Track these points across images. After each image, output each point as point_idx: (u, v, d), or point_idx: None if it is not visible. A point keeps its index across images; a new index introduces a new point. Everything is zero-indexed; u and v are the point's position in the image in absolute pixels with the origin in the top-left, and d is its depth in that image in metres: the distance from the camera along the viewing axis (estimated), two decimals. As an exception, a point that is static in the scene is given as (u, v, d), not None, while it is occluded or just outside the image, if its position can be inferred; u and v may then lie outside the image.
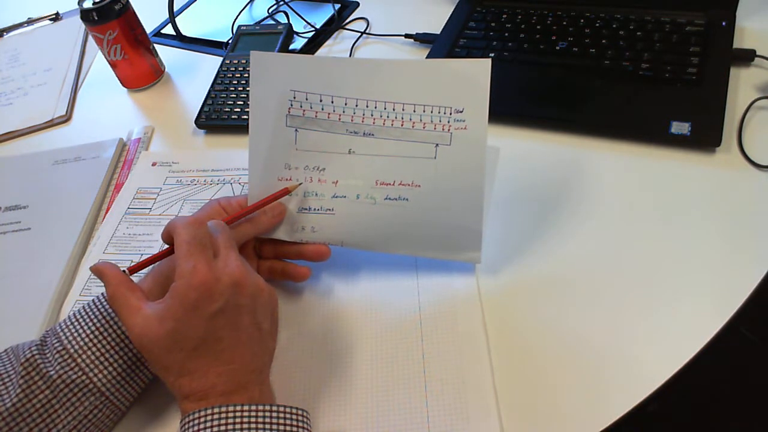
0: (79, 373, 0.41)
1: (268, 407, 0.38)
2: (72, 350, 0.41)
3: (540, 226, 0.54)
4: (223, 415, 0.36)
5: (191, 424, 0.36)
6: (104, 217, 0.64)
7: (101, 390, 0.42)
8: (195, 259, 0.39)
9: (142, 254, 0.58)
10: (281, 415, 0.38)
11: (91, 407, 0.42)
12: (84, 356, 0.41)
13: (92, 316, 0.43)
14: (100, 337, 0.42)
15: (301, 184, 0.50)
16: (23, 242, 0.62)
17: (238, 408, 0.37)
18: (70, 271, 0.58)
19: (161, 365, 0.38)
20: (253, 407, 0.37)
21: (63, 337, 0.42)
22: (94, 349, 0.42)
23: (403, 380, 0.45)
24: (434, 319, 0.48)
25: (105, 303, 0.43)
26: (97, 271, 0.42)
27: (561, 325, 0.47)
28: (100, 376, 0.41)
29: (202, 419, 0.36)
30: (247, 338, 0.40)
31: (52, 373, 0.41)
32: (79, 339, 0.42)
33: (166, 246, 0.44)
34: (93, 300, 0.44)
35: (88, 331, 0.42)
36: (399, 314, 0.49)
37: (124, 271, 0.42)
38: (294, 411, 0.39)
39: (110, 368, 0.42)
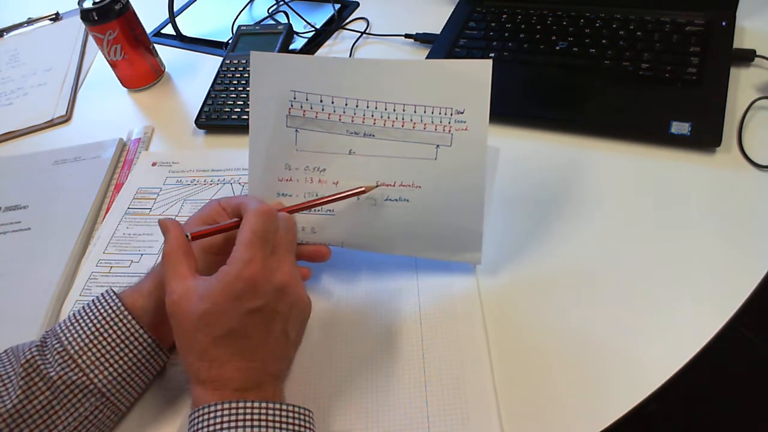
0: (80, 374, 0.41)
1: (278, 405, 0.38)
2: (72, 351, 0.41)
3: (540, 226, 0.54)
4: (234, 411, 0.36)
5: (204, 417, 0.37)
6: (104, 217, 0.63)
7: (101, 391, 0.42)
8: (254, 251, 0.39)
9: (142, 254, 0.58)
10: (291, 414, 0.38)
11: (92, 408, 0.42)
12: (84, 357, 0.41)
13: (92, 317, 0.43)
14: (101, 338, 0.42)
15: (378, 186, 0.49)
16: (23, 242, 0.62)
17: (249, 404, 0.37)
18: (70, 271, 0.58)
19: (185, 342, 0.39)
20: (264, 404, 0.37)
21: (63, 338, 0.42)
22: (94, 350, 0.42)
23: (403, 380, 0.45)
24: (434, 319, 0.48)
25: (105, 303, 0.43)
26: (164, 226, 0.43)
27: (561, 325, 0.47)
28: (100, 377, 0.41)
29: (216, 414, 0.36)
30: (274, 343, 0.40)
31: (52, 374, 0.41)
32: (79, 340, 0.42)
33: (234, 220, 0.45)
34: (93, 300, 0.44)
35: (88, 332, 0.42)
36: (399, 314, 0.49)
37: (187, 236, 0.43)
38: (302, 411, 0.39)
39: (110, 369, 0.42)
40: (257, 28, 0.83)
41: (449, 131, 0.47)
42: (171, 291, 0.39)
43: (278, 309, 0.40)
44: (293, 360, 0.43)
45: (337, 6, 0.88)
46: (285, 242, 0.42)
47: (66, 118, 0.81)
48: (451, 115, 0.46)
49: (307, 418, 0.39)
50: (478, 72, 0.45)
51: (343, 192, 0.48)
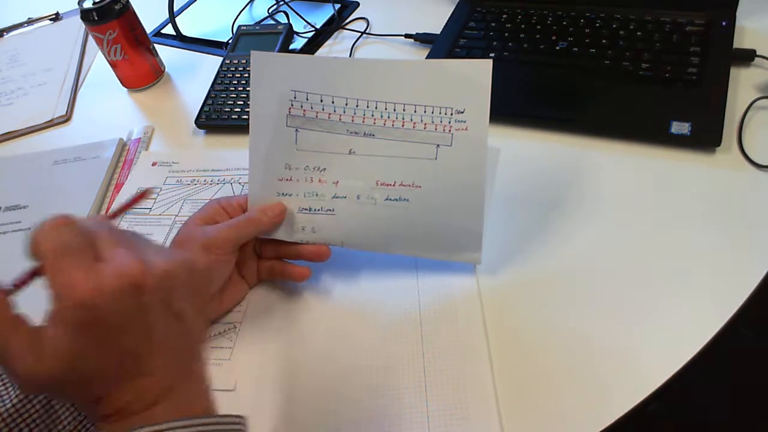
0: (79, 373, 0.40)
1: (198, 421, 0.32)
2: (72, 350, 0.41)
3: (540, 226, 0.54)
4: None
5: None
6: (104, 217, 0.63)
7: (101, 390, 0.41)
8: (68, 269, 0.30)
9: (142, 254, 0.58)
10: (216, 428, 0.33)
11: (92, 407, 0.41)
12: (84, 356, 0.41)
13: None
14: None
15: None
16: (23, 242, 0.62)
17: (163, 427, 0.30)
18: (70, 271, 0.58)
19: (66, 400, 0.33)
20: (179, 423, 0.31)
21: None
22: (94, 349, 0.41)
23: (403, 380, 0.45)
24: (434, 319, 0.48)
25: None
26: None
27: (561, 325, 0.47)
28: (100, 376, 0.41)
29: None
30: (165, 338, 0.33)
31: (52, 373, 0.40)
32: (79, 339, 0.41)
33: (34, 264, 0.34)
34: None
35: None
36: (399, 314, 0.49)
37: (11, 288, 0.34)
38: (231, 420, 0.34)
39: (110, 368, 0.41)
40: (257, 28, 0.83)
41: (449, 131, 0.47)
42: (16, 376, 0.31)
43: (144, 303, 0.31)
44: (205, 335, 0.36)
45: (337, 6, 0.88)
46: (105, 240, 0.33)
47: (66, 118, 0.81)
48: (452, 114, 0.46)
49: (237, 427, 0.34)
50: (478, 72, 0.45)
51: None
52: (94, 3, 0.75)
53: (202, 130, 0.73)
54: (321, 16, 0.87)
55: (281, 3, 0.91)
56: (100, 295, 0.30)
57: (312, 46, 0.83)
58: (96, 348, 0.31)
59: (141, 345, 0.32)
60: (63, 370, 0.30)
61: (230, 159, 0.67)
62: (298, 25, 0.85)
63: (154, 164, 0.69)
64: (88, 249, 0.32)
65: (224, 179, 0.65)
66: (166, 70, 0.86)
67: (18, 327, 0.32)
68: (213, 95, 0.74)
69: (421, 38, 0.78)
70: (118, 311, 0.31)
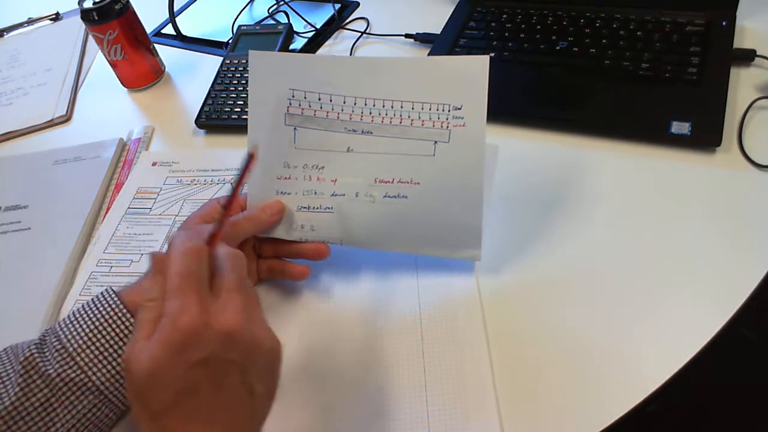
0: (78, 372, 0.41)
1: None
2: (71, 349, 0.41)
3: (540, 226, 0.54)
4: None
5: None
6: (104, 217, 0.63)
7: (100, 389, 0.41)
8: (184, 295, 0.33)
9: (142, 254, 0.58)
10: None
11: (90, 406, 0.42)
12: (83, 355, 0.41)
13: (91, 315, 0.43)
14: (99, 336, 0.42)
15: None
16: (23, 242, 0.62)
17: None
18: (70, 271, 0.58)
19: (136, 408, 0.34)
20: None
21: (62, 336, 0.42)
22: (93, 347, 0.42)
23: (403, 380, 0.45)
24: (434, 319, 0.48)
25: (104, 301, 0.43)
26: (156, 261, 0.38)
27: (561, 324, 0.47)
28: (99, 374, 0.41)
29: None
30: (232, 400, 0.34)
31: (50, 371, 0.41)
32: (78, 338, 0.42)
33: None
34: (92, 299, 0.44)
35: (87, 330, 0.42)
36: (399, 314, 0.49)
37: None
38: None
39: (109, 367, 0.42)
40: (257, 28, 0.83)
41: (447, 127, 0.47)
42: (126, 350, 0.34)
43: (229, 358, 0.33)
44: (266, 417, 0.37)
45: (337, 6, 0.88)
46: (229, 281, 0.36)
47: (66, 118, 0.81)
48: (449, 111, 0.46)
49: None
50: (476, 68, 0.45)
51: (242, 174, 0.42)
52: (94, 3, 0.75)
53: (202, 130, 0.73)
54: (321, 16, 0.87)
55: (281, 3, 0.91)
56: (205, 329, 0.33)
57: (312, 46, 0.83)
58: (178, 370, 0.32)
59: (210, 391, 0.33)
60: (147, 371, 0.32)
61: (230, 159, 0.67)
62: (298, 25, 0.85)
63: (154, 164, 0.69)
64: (205, 284, 0.35)
65: (224, 179, 0.65)
66: (166, 70, 0.86)
67: (154, 320, 0.34)
68: (213, 95, 0.74)
69: (421, 38, 0.78)
70: (207, 350, 0.33)
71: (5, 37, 1.02)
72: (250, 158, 0.41)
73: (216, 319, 0.33)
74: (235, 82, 0.75)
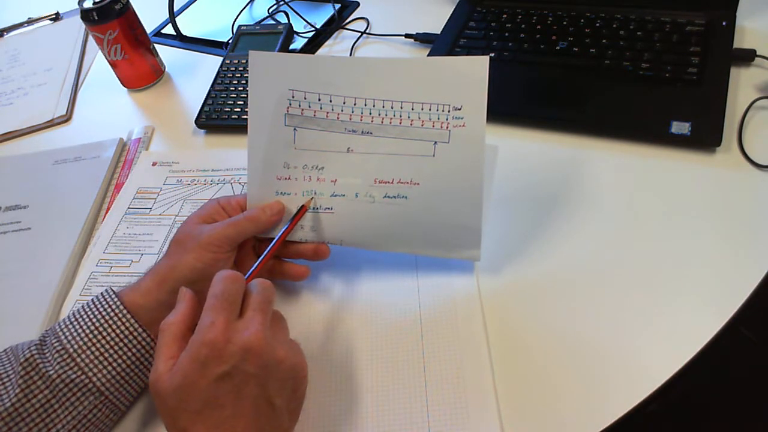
0: (78, 373, 0.41)
1: None
2: (71, 349, 0.41)
3: (540, 226, 0.54)
4: None
5: None
6: (104, 217, 0.63)
7: (100, 390, 0.42)
8: (215, 314, 0.37)
9: (142, 254, 0.58)
10: None
11: (91, 407, 0.42)
12: (83, 356, 0.41)
13: (91, 316, 0.43)
14: (99, 337, 0.42)
15: (313, 198, 0.50)
16: (23, 242, 0.62)
17: None
18: (70, 271, 0.58)
19: (167, 422, 0.36)
20: None
21: (62, 337, 0.42)
22: (93, 348, 0.42)
23: (403, 379, 0.45)
24: (434, 319, 0.48)
25: (104, 302, 0.43)
26: (182, 295, 0.41)
27: (561, 324, 0.47)
28: (99, 375, 0.41)
29: None
30: (253, 411, 0.36)
31: (51, 372, 0.41)
32: (78, 338, 0.42)
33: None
34: (92, 299, 0.44)
35: (87, 331, 0.42)
36: (399, 314, 0.49)
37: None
38: None
39: (109, 368, 0.42)
40: (257, 28, 0.83)
41: (447, 128, 0.47)
42: (154, 369, 0.37)
43: (248, 371, 0.36)
44: (291, 430, 0.39)
45: (337, 6, 0.88)
46: (254, 303, 0.39)
47: (66, 118, 0.81)
48: (449, 111, 0.46)
49: None
50: (476, 68, 0.45)
51: (290, 225, 0.49)
52: (94, 3, 0.75)
53: (202, 130, 0.73)
54: (321, 16, 0.87)
55: (281, 3, 0.91)
56: (226, 343, 0.36)
57: (312, 46, 0.83)
58: (202, 382, 0.35)
59: (233, 402, 0.36)
60: (176, 386, 0.35)
61: (230, 159, 0.67)
62: (298, 25, 0.85)
63: (154, 164, 0.69)
64: (236, 306, 0.38)
65: (224, 179, 0.65)
66: (166, 70, 0.86)
67: (183, 341, 0.38)
68: (213, 95, 0.74)
69: (421, 38, 0.78)
70: (229, 364, 0.36)
71: (5, 37, 1.02)
72: (302, 209, 0.48)
73: (238, 335, 0.36)
74: (235, 82, 0.75)
